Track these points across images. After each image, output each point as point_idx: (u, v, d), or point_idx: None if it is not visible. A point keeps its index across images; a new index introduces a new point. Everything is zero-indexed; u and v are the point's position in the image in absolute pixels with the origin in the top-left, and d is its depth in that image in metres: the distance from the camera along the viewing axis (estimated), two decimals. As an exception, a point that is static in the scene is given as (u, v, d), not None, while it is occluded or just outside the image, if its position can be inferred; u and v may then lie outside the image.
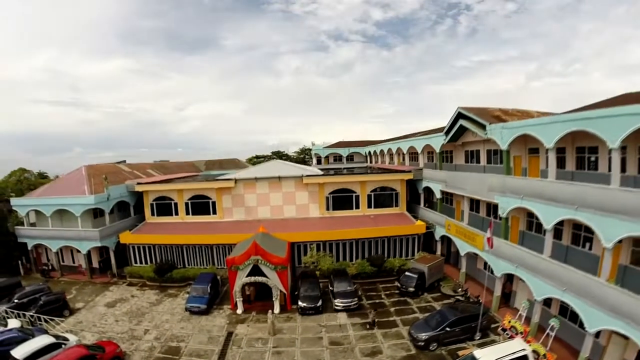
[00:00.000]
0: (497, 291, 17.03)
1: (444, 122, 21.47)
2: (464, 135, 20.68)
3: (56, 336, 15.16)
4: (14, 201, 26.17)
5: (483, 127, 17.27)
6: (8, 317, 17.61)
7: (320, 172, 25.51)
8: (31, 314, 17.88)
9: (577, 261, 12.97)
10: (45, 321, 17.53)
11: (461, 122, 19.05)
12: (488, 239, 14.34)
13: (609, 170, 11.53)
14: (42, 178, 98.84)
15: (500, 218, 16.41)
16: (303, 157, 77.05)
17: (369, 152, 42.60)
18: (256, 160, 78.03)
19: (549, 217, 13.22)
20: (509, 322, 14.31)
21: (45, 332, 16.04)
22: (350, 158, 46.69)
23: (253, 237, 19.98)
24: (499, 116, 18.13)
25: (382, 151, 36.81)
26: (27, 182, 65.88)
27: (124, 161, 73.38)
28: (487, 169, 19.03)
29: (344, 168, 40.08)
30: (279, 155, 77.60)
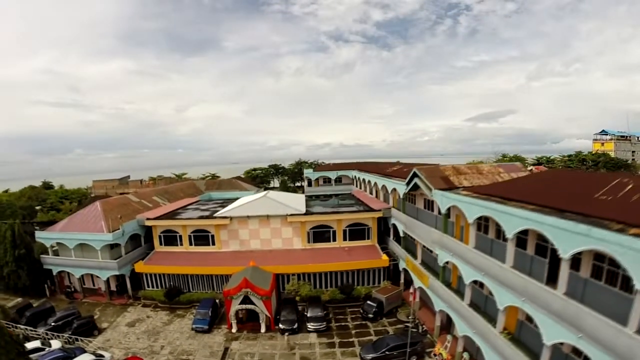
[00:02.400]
0: (437, 321, 22.47)
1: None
2: (421, 187, 25.93)
3: (94, 354, 20.93)
4: (40, 234, 31.83)
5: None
6: (50, 339, 23.34)
7: (303, 211, 30.90)
8: (67, 335, 23.64)
9: (488, 311, 17.49)
10: (80, 340, 23.31)
11: (415, 180, 24.33)
12: (412, 293, 19.91)
13: (516, 246, 15.14)
14: (48, 188, 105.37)
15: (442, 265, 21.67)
16: (298, 169, 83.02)
17: (355, 177, 48.03)
18: (253, 172, 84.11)
19: (467, 275, 18.15)
20: (439, 349, 19.83)
21: (84, 350, 21.80)
22: (338, 180, 52.22)
23: (244, 270, 25.64)
24: (447, 177, 23.02)
25: (364, 180, 42.23)
26: (36, 197, 72.21)
27: (128, 176, 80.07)
28: (439, 219, 23.86)
29: (332, 194, 45.64)
30: (276, 168, 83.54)
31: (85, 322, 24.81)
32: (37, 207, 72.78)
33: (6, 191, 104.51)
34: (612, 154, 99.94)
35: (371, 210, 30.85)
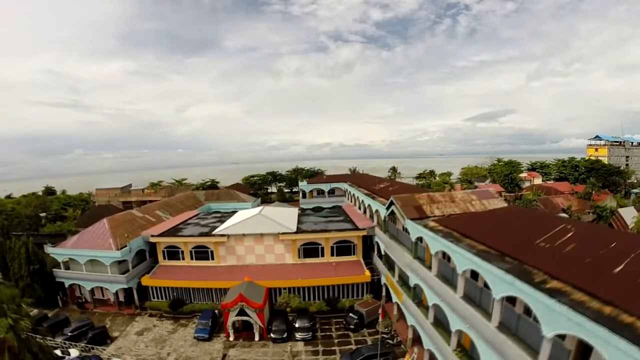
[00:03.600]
0: (410, 334, 26.02)
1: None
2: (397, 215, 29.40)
3: (110, 361, 24.61)
4: (53, 250, 35.25)
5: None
6: (68, 348, 26.98)
7: (294, 229, 34.44)
8: (83, 344, 27.27)
9: (448, 329, 20.77)
10: (95, 349, 26.97)
11: (392, 207, 27.83)
12: (381, 312, 23.50)
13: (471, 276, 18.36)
14: (50, 194, 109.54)
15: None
16: (295, 175, 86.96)
17: (347, 190, 51.53)
18: (252, 179, 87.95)
19: (430, 298, 21.43)
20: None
21: (100, 358, 25.49)
22: (331, 192, 55.77)
23: (240, 285, 29.24)
24: (420, 206, 26.48)
25: (354, 195, 45.73)
26: (41, 205, 76.06)
27: (130, 185, 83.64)
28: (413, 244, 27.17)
29: (324, 207, 49.08)
30: (274, 175, 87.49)
31: (99, 331, 28.50)
32: (42, 214, 76.64)
33: (9, 196, 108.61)
34: (606, 160, 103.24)
35: (357, 229, 34.38)
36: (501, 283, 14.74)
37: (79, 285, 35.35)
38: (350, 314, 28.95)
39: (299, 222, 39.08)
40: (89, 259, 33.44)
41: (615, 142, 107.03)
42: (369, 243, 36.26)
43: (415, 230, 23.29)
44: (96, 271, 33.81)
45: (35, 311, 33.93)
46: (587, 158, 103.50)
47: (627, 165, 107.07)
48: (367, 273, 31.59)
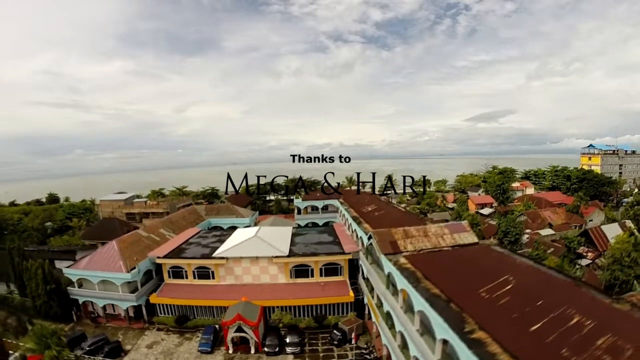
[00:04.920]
0: (384, 351, 30.58)
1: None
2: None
3: (125, 372, 29.31)
4: (68, 271, 39.88)
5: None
6: (88, 361, 31.64)
7: (286, 252, 39.03)
8: (101, 357, 31.97)
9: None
10: (111, 361, 31.71)
11: (371, 240, 32.29)
12: (354, 337, 28.03)
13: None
14: (53, 201, 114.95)
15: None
16: (294, 186, 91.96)
17: (339, 208, 56.05)
18: (251, 189, 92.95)
19: (396, 325, 25.90)
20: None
21: (117, 370, 30.16)
22: (325, 208, 60.32)
23: (237, 305, 33.86)
24: (395, 242, 30.88)
25: (344, 215, 50.25)
26: (48, 218, 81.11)
27: (133, 197, 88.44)
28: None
29: (317, 225, 53.56)
30: (272, 186, 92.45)
31: (114, 346, 33.25)
32: (48, 224, 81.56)
33: (13, 203, 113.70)
34: (599, 169, 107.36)
35: (343, 253, 38.95)
36: (440, 327, 18.71)
37: (92, 302, 40.10)
38: (335, 331, 33.59)
39: (292, 242, 43.68)
40: (101, 280, 38.14)
41: (609, 151, 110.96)
42: (356, 263, 40.82)
43: (387, 265, 27.76)
44: (108, 290, 38.50)
45: (52, 326, 38.82)
46: (579, 167, 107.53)
47: (620, 173, 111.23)
48: (351, 294, 36.19)
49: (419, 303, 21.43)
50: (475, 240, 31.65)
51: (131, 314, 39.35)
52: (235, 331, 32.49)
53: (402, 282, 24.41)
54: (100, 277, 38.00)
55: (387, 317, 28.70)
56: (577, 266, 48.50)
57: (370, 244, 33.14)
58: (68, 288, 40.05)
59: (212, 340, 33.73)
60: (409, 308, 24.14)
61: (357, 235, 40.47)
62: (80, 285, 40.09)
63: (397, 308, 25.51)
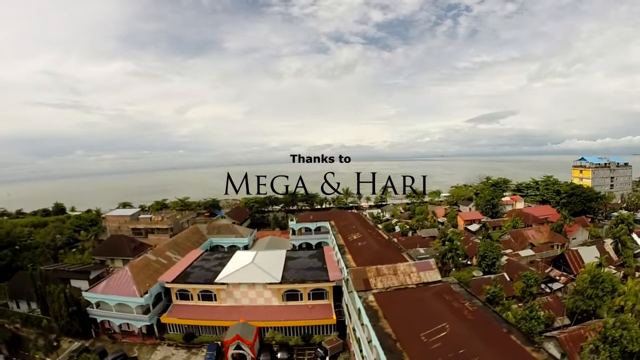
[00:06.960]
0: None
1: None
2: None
3: (144, 383, 36.78)
4: (87, 294, 47.25)
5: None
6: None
7: (279, 279, 46.24)
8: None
9: None
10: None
11: (347, 275, 39.31)
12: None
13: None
14: (59, 211, 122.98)
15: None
16: (292, 199, 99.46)
17: (330, 231, 63.17)
18: (249, 201, 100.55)
19: (363, 350, 33.42)
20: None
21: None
22: (318, 229, 67.54)
23: (236, 326, 41.18)
24: (367, 279, 37.74)
25: (333, 240, 57.35)
26: (59, 232, 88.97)
27: (139, 212, 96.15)
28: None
29: (310, 245, 60.88)
30: (270, 199, 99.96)
31: (132, 361, 40.77)
32: (58, 236, 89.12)
33: (20, 212, 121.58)
34: (590, 182, 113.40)
35: (328, 281, 46.13)
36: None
37: (109, 321, 47.55)
38: (318, 349, 40.87)
39: (285, 267, 50.91)
40: (117, 303, 45.57)
41: (599, 164, 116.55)
42: (341, 288, 47.92)
43: (357, 301, 34.79)
44: (123, 311, 45.96)
45: (76, 344, 46.20)
46: (570, 182, 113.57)
47: (611, 186, 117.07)
48: (334, 317, 43.43)
49: (375, 339, 28.29)
50: (439, 278, 38.35)
51: (144, 330, 46.84)
52: (235, 349, 39.86)
53: (365, 320, 31.43)
54: (117, 300, 45.42)
55: (358, 342, 35.89)
56: (549, 289, 54.30)
57: (348, 279, 40.25)
58: (87, 309, 47.44)
59: (216, 355, 41.12)
60: (369, 341, 31.27)
61: (341, 264, 47.59)
62: (97, 306, 47.53)
63: (363, 338, 32.60)
